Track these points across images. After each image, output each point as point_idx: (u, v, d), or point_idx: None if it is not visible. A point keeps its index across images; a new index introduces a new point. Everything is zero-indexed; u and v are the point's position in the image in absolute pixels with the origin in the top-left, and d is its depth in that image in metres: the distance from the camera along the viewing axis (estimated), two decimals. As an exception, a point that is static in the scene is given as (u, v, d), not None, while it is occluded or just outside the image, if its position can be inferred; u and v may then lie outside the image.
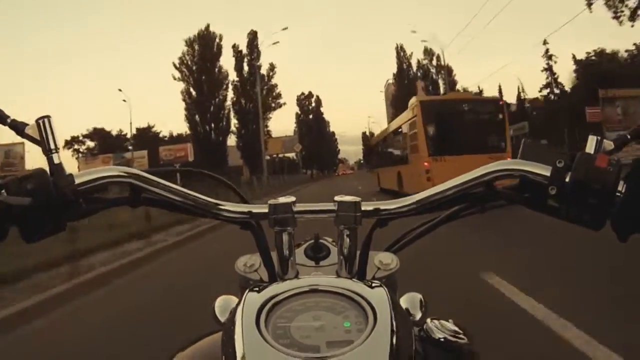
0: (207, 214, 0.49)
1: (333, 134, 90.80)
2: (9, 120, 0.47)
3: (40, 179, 0.44)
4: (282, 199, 0.47)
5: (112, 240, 6.18)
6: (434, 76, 39.13)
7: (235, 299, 0.56)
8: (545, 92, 30.33)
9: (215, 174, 0.63)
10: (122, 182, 0.48)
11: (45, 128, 0.46)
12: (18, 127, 0.47)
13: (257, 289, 0.43)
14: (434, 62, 39.81)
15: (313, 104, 63.89)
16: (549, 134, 25.43)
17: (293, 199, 0.48)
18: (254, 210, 0.49)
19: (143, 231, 6.76)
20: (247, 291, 0.43)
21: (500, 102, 11.09)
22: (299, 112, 60.95)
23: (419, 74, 39.37)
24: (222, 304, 0.58)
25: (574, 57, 29.93)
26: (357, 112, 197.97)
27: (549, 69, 29.89)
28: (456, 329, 0.53)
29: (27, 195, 0.43)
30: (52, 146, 0.46)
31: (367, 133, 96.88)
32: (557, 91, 29.01)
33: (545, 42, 29.31)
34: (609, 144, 0.46)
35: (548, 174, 0.44)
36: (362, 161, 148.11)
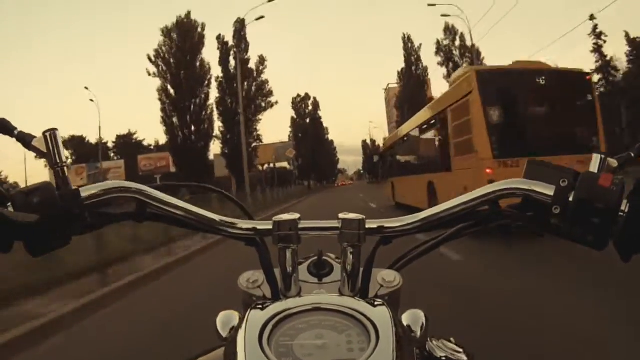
0: (212, 230, 0.53)
1: (332, 142, 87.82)
2: (16, 133, 0.51)
3: (46, 193, 0.46)
4: (287, 216, 0.52)
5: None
6: (458, 60, 31.80)
7: (237, 315, 0.58)
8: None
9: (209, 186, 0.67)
10: (128, 197, 0.51)
11: (53, 141, 0.50)
12: (25, 140, 0.51)
13: (260, 306, 0.46)
14: (457, 43, 32.44)
15: (310, 107, 60.16)
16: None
17: (297, 215, 0.52)
18: (259, 227, 0.53)
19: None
20: (250, 308, 0.45)
21: (588, 77, 7.53)
22: (295, 116, 57.45)
23: (440, 56, 32.99)
24: (224, 319, 0.59)
25: (627, 35, 26.03)
26: (355, 121, 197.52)
27: (597, 50, 24.65)
28: (457, 348, 0.55)
29: (33, 208, 0.45)
30: (59, 159, 0.50)
31: (368, 141, 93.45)
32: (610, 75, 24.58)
33: (592, 18, 25.61)
34: (613, 162, 0.49)
35: (552, 193, 0.47)
36: (362, 171, 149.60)
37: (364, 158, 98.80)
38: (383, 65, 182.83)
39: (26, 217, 0.43)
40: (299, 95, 58.65)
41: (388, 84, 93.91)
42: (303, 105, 58.31)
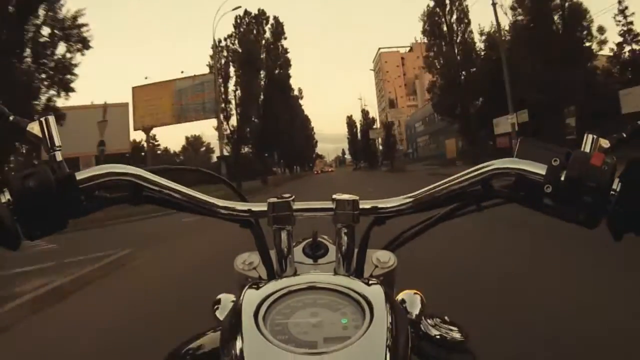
0: (207, 212, 0.54)
1: (308, 120, 74.17)
2: (10, 118, 0.51)
3: (42, 177, 0.47)
4: (281, 197, 0.52)
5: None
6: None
7: (233, 297, 0.59)
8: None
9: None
10: (124, 180, 0.52)
11: (48, 126, 0.50)
12: (20, 125, 0.51)
13: (255, 286, 0.46)
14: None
15: (269, 36, 36.71)
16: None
17: (292, 196, 0.52)
18: (253, 209, 0.53)
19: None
20: (245, 288, 0.46)
21: None
22: (226, 41, 31.88)
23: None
24: (221, 302, 0.61)
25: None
26: (334, 108, 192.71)
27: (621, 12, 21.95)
28: (451, 326, 0.56)
29: (29, 192, 0.46)
30: (55, 144, 0.50)
31: (356, 117, 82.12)
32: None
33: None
34: (605, 143, 0.49)
35: (544, 172, 0.47)
36: (343, 156, 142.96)
37: (349, 138, 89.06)
38: (362, 49, 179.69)
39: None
40: (246, 14, 33.34)
41: (378, 50, 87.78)
42: (255, 31, 34.65)
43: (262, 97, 33.94)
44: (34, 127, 0.50)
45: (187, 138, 63.96)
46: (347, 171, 72.03)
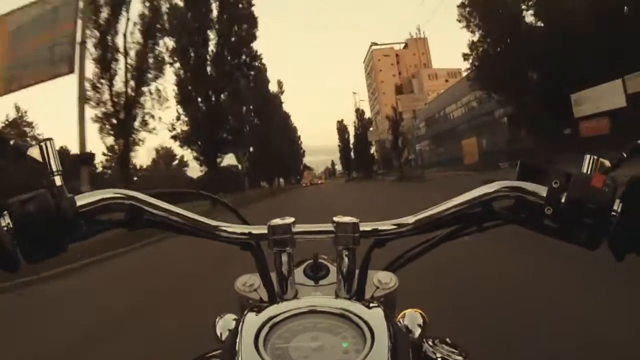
0: (208, 235, 0.54)
1: (295, 129, 71.89)
2: (11, 142, 0.52)
3: (42, 201, 0.47)
4: (281, 220, 0.53)
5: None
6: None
7: (235, 317, 0.60)
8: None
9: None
10: (123, 204, 0.52)
11: (48, 150, 0.51)
12: (20, 149, 0.52)
13: (256, 309, 0.47)
14: None
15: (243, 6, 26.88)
16: None
17: (292, 219, 0.53)
18: (254, 232, 0.54)
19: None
20: (246, 312, 0.47)
21: None
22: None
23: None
24: (223, 322, 0.62)
25: None
26: (321, 120, 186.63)
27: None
28: (453, 349, 0.57)
29: (29, 216, 0.47)
30: (54, 169, 0.51)
31: (349, 120, 74.19)
32: None
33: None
34: (605, 163, 0.50)
35: (544, 194, 0.48)
36: (331, 167, 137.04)
37: (340, 146, 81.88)
38: (352, 48, 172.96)
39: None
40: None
41: (371, 46, 78.36)
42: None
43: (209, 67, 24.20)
44: (33, 152, 0.51)
45: (157, 151, 57.81)
46: (339, 183, 64.87)
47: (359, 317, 0.43)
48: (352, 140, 73.30)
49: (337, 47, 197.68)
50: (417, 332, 0.61)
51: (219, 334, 0.60)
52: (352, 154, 74.46)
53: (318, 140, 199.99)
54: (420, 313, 0.64)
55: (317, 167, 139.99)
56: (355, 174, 74.03)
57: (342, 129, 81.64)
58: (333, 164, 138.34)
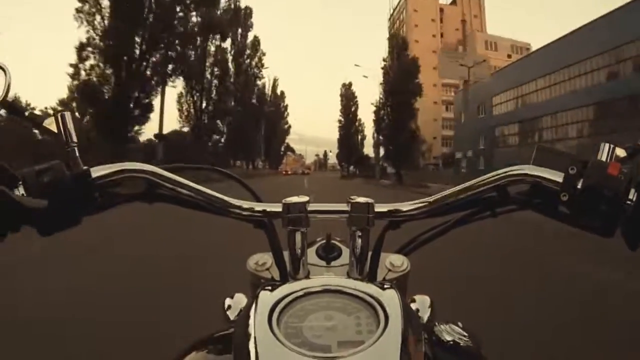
0: (222, 212, 0.55)
1: (282, 95, 59.66)
2: (26, 114, 0.53)
3: (57, 172, 0.48)
4: (296, 199, 0.53)
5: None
6: None
7: (244, 298, 0.61)
8: None
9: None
10: (139, 177, 0.53)
11: (64, 122, 0.51)
12: (36, 120, 0.52)
13: (269, 287, 0.47)
14: None
15: None
16: None
17: (307, 198, 0.53)
18: (268, 209, 0.55)
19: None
20: (259, 290, 0.47)
21: None
22: None
23: None
24: (232, 302, 0.62)
25: None
26: (319, 111, 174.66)
27: None
28: (464, 332, 0.57)
29: (43, 188, 0.47)
30: (70, 140, 0.51)
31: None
32: None
33: None
34: (621, 152, 0.50)
35: (560, 180, 0.48)
36: (326, 158, 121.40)
37: (342, 123, 57.24)
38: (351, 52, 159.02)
39: (36, 203, 0.44)
40: None
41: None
42: None
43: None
44: (50, 123, 0.51)
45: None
46: (329, 178, 46.89)
47: (373, 298, 0.43)
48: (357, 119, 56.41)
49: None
50: (427, 316, 0.61)
51: (229, 313, 0.61)
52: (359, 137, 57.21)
53: (314, 130, 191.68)
54: (429, 298, 0.64)
55: (307, 156, 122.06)
56: (353, 169, 57.44)
57: (348, 96, 58.40)
58: (326, 155, 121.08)
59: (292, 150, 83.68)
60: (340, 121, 58.78)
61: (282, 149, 69.88)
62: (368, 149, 51.86)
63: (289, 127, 69.03)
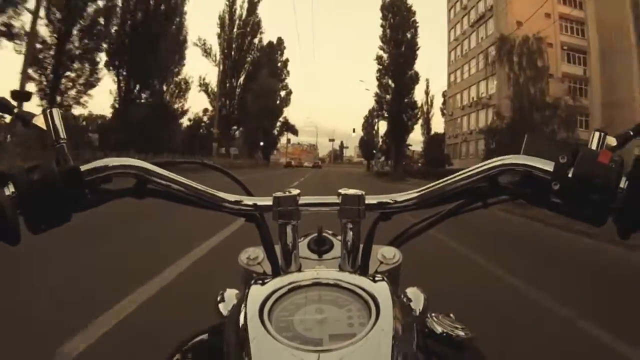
0: (212, 206, 0.55)
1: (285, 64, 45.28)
2: (15, 111, 0.53)
3: (46, 170, 0.48)
4: (287, 192, 0.53)
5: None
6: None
7: (237, 293, 0.61)
8: None
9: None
10: (128, 173, 0.53)
11: (53, 118, 0.52)
12: (25, 118, 0.52)
13: (260, 281, 0.47)
14: None
15: None
16: None
17: (297, 191, 0.53)
18: (259, 203, 0.55)
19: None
20: (250, 284, 0.47)
21: None
22: None
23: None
24: (225, 297, 0.63)
25: None
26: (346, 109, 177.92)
27: None
28: (456, 324, 0.58)
29: (33, 185, 0.47)
30: (59, 137, 0.51)
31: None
32: None
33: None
34: (612, 140, 0.51)
35: (551, 169, 0.49)
36: (342, 151, 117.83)
37: (380, 99, 35.34)
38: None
39: (26, 200, 0.45)
40: None
41: None
42: None
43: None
44: (38, 120, 0.52)
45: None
46: (350, 175, 37.19)
47: (364, 290, 0.43)
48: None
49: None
50: (420, 308, 0.61)
51: (220, 308, 0.61)
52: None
53: (327, 122, 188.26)
54: (422, 290, 0.64)
55: (322, 150, 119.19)
56: (387, 167, 40.78)
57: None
58: (342, 146, 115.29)
59: (294, 131, 57.18)
60: (376, 98, 39.14)
61: (274, 131, 49.57)
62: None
63: (289, 93, 49.10)
